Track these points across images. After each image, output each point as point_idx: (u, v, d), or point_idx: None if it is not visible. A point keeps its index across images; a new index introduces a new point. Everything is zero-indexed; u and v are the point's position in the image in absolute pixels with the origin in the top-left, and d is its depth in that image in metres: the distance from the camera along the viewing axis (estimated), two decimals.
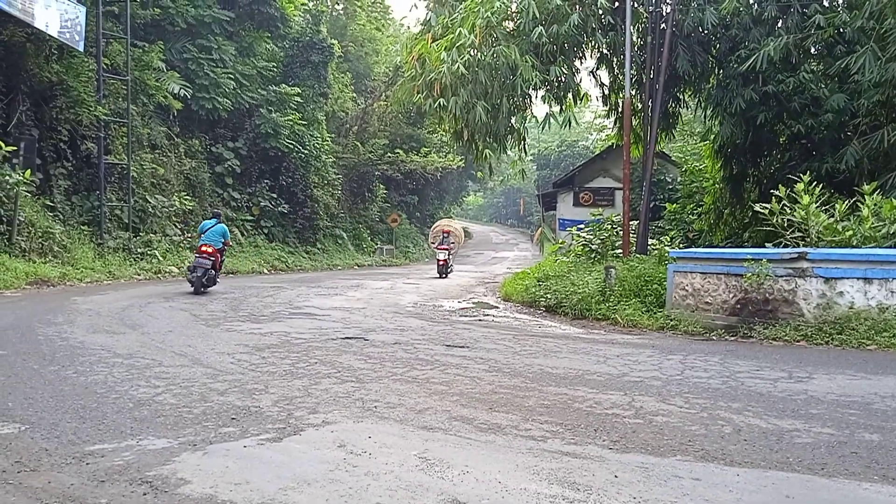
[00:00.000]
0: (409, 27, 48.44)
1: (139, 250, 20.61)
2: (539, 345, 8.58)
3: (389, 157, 38.91)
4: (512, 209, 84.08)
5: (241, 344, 8.14)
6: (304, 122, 29.71)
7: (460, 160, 40.74)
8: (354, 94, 38.62)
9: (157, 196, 22.72)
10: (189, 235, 23.50)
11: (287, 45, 31.16)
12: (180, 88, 23.86)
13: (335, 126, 37.18)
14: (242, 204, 28.30)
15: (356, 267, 31.52)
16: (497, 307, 14.46)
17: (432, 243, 29.41)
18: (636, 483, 3.58)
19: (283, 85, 29.50)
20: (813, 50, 16.37)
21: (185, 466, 3.78)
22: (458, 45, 15.06)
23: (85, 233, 19.09)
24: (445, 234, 27.23)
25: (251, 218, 28.34)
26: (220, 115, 26.67)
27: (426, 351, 7.94)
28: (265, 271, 25.56)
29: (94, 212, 19.91)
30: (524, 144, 17.99)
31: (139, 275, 19.16)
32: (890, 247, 9.12)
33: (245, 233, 27.73)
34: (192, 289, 14.37)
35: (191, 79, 25.16)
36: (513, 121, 16.94)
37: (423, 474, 3.70)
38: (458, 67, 14.60)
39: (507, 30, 16.51)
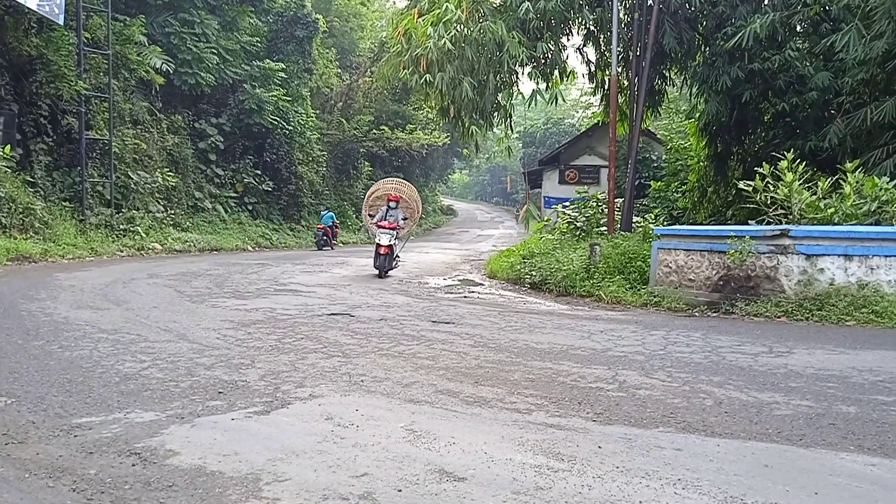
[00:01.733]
0: (394, 2, 47.96)
1: (121, 227, 20.44)
2: (524, 321, 8.65)
3: (374, 133, 38.70)
4: (497, 187, 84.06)
5: (227, 320, 8.13)
6: (288, 98, 29.45)
7: (446, 137, 40.62)
8: (339, 70, 38.30)
9: (139, 172, 22.49)
10: (172, 212, 23.34)
11: (271, 20, 30.78)
12: (162, 63, 23.54)
13: (320, 102, 36.88)
14: (226, 180, 28.11)
15: (341, 244, 31.46)
16: (482, 284, 14.52)
17: (368, 217, 17.09)
18: (619, 453, 3.64)
19: (268, 60, 29.18)
20: (799, 28, 16.41)
21: (173, 438, 3.80)
22: (444, 20, 14.94)
23: (66, 209, 18.89)
24: (392, 204, 16.08)
25: (235, 195, 28.17)
26: (203, 91, 26.37)
27: (412, 327, 7.97)
28: (249, 248, 25.46)
29: (75, 188, 19.69)
30: (510, 121, 17.96)
31: (122, 251, 19.03)
32: (870, 224, 9.23)
33: (229, 210, 27.57)
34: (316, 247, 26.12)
35: (173, 53, 24.81)
36: (499, 97, 16.89)
37: (410, 445, 3.75)
38: (445, 43, 14.51)
39: (494, 5, 16.41)
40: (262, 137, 29.14)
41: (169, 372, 5.40)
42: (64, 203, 19.02)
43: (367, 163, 40.86)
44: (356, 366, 5.74)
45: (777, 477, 3.33)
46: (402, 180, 19.04)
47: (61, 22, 18.57)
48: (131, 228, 20.65)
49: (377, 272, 15.16)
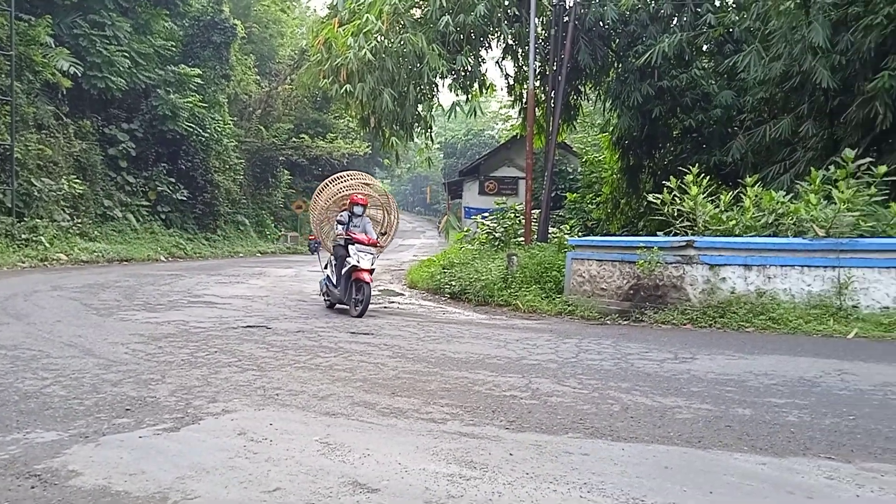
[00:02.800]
0: (315, 10, 47.58)
1: (23, 236, 19.45)
2: (443, 331, 8.73)
3: (294, 141, 38.19)
4: (419, 197, 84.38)
5: (137, 334, 7.88)
6: (204, 105, 28.74)
7: (367, 147, 40.45)
8: (258, 77, 37.66)
9: (43, 179, 21.46)
10: (79, 221, 22.34)
11: (187, 24, 30.00)
12: (70, 65, 22.58)
13: (238, 109, 36.15)
14: (138, 188, 27.14)
15: (259, 254, 30.87)
16: (403, 294, 14.56)
17: (316, 225, 12.55)
18: (529, 460, 3.75)
19: (183, 65, 28.41)
20: (705, 48, 17.25)
21: (76, 458, 3.67)
22: (365, 30, 14.96)
23: None
24: (357, 209, 11.01)
25: (147, 203, 27.22)
26: (113, 95, 25.42)
27: (330, 338, 7.93)
28: (162, 259, 24.65)
29: None
30: (431, 132, 18.11)
31: (23, 262, 18.10)
32: (768, 235, 9.77)
33: (140, 219, 26.63)
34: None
35: (82, 56, 23.84)
36: (419, 109, 17.02)
37: (325, 458, 3.74)
38: (365, 54, 14.52)
39: (415, 17, 16.54)
40: (176, 144, 28.31)
41: (73, 389, 5.19)
42: None
43: (286, 171, 40.27)
44: (271, 379, 5.67)
45: (676, 478, 3.50)
46: (364, 175, 13.03)
47: None
48: (34, 238, 19.67)
49: (330, 305, 11.17)
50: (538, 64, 18.01)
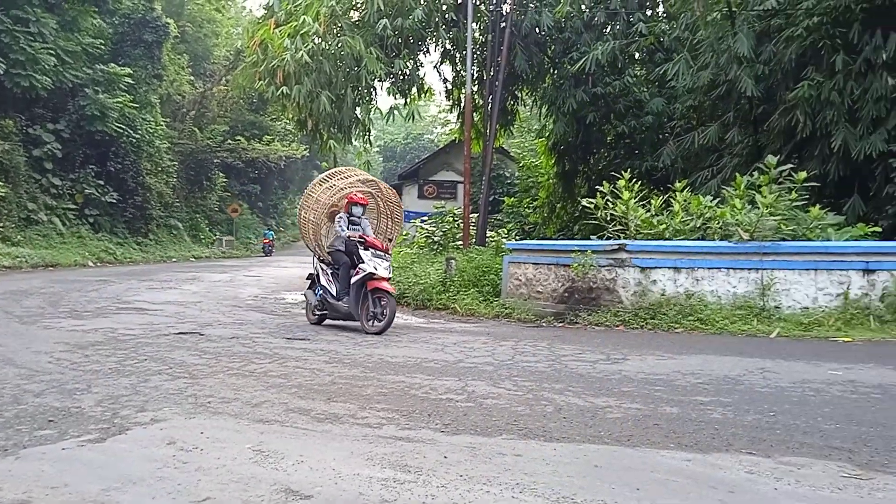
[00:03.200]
0: (251, 10, 46.81)
1: None
2: (381, 335, 8.71)
3: (230, 143, 37.52)
4: None
5: (62, 342, 7.60)
6: (135, 105, 27.94)
7: (305, 149, 40.01)
8: (192, 77, 36.84)
9: None
10: (0, 225, 21.41)
11: (117, 22, 29.11)
12: None
13: (171, 110, 35.27)
14: (64, 191, 26.19)
15: (193, 259, 30.15)
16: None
17: (312, 227, 10.03)
18: (463, 462, 3.78)
19: (113, 64, 27.55)
20: (637, 56, 17.74)
21: None
22: (302, 32, 14.82)
23: None
24: (356, 210, 9.78)
25: (74, 206, 26.28)
26: (38, 94, 24.44)
27: (265, 344, 7.82)
28: (90, 264, 23.83)
29: None
30: (369, 136, 18.05)
31: None
32: (696, 239, 10.09)
33: (67, 223, 25.69)
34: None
35: (4, 53, 22.87)
36: (358, 112, 16.95)
37: (257, 466, 3.69)
38: (302, 56, 14.38)
39: (353, 20, 16.48)
40: (105, 146, 27.43)
41: None
42: None
43: (221, 174, 39.49)
44: (203, 387, 5.56)
45: (605, 476, 3.59)
46: (358, 170, 11.30)
47: None
48: None
49: (318, 320, 9.74)
50: (476, 69, 18.18)
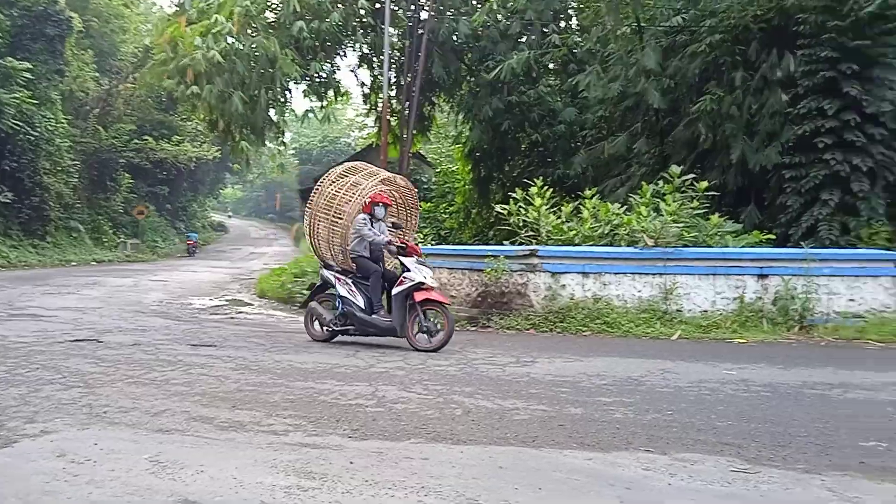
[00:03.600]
0: (161, 7, 45.24)
1: None
2: (291, 341, 8.57)
3: (137, 143, 36.09)
4: (273, 203, 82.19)
5: None
6: (34, 101, 26.43)
7: (216, 150, 38.96)
8: (97, 74, 35.19)
9: None
10: None
11: (15, 14, 27.48)
12: None
13: (73, 107, 33.57)
14: None
15: (95, 263, 28.80)
16: (251, 304, 14.13)
17: (320, 236, 8.90)
18: (370, 467, 3.75)
19: (10, 58, 25.98)
20: (551, 66, 18.18)
21: None
22: (214, 31, 14.44)
23: None
24: (378, 210, 8.48)
25: None
26: None
27: (169, 351, 7.54)
28: None
29: None
30: (283, 138, 17.77)
31: None
32: (604, 245, 10.40)
33: None
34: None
35: None
36: (272, 113, 16.65)
37: (154, 477, 3.55)
38: (214, 55, 14.01)
39: (268, 21, 16.20)
40: (0, 144, 25.83)
41: None
42: None
43: (127, 175, 37.87)
44: (99, 396, 5.30)
45: (509, 477, 3.64)
46: (371, 166, 9.53)
47: None
48: None
49: (330, 336, 8.45)
50: (393, 74, 18.19)
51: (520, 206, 11.19)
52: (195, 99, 14.74)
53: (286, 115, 17.35)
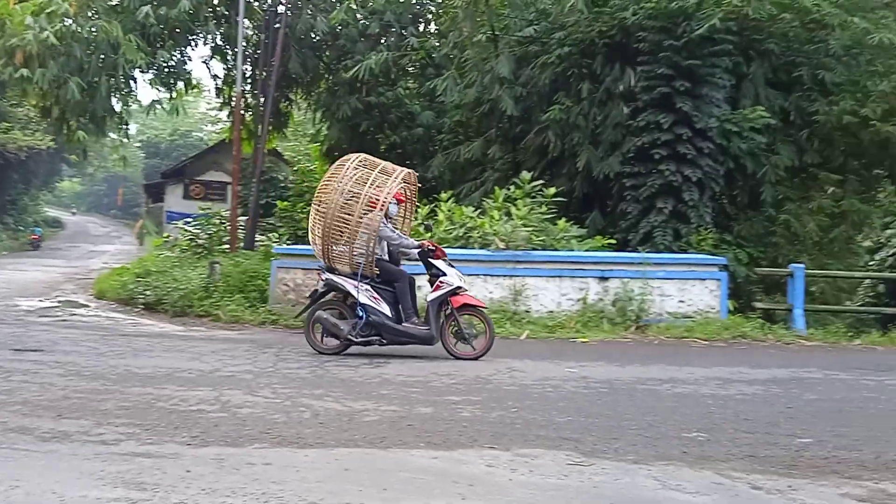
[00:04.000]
0: None
1: None
2: (130, 344, 8.07)
3: None
4: (115, 198, 77.01)
5: None
6: None
7: (51, 140, 35.94)
8: None
9: None
10: None
11: None
12: None
13: None
14: None
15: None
16: (87, 306, 13.16)
17: (334, 236, 7.62)
18: (208, 475, 3.58)
19: None
20: (410, 69, 18.29)
21: None
22: (48, 11, 13.29)
23: None
24: (393, 208, 8.05)
25: None
26: None
27: None
28: None
29: None
30: (127, 129, 16.69)
31: None
32: (459, 247, 10.60)
33: None
34: None
35: None
36: (113, 102, 15.58)
37: None
38: (48, 36, 12.88)
39: (110, 4, 15.17)
40: None
41: None
42: None
43: None
44: None
45: (355, 479, 3.61)
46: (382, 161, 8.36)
47: None
48: None
49: (342, 348, 7.54)
50: (249, 68, 17.61)
51: None
52: (25, 83, 13.48)
53: (130, 104, 16.32)
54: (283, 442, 4.23)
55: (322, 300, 7.78)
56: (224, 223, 16.81)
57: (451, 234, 10.83)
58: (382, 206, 7.49)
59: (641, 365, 7.34)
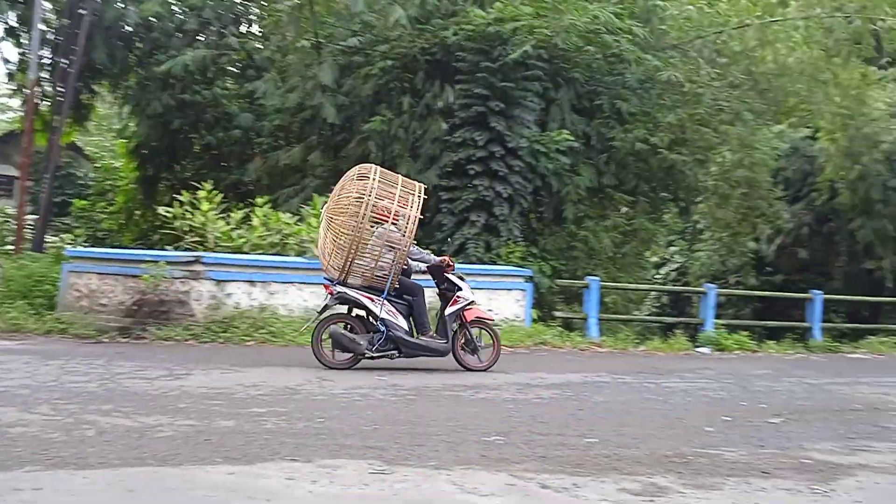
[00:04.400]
0: None
1: None
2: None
3: None
4: None
5: None
6: None
7: None
8: None
9: None
10: None
11: None
12: None
13: None
14: None
15: None
16: None
17: (358, 249, 7.32)
18: None
19: None
20: (229, 68, 17.64)
21: None
22: None
23: None
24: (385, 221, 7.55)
25: None
26: None
27: None
28: None
29: None
30: None
31: None
32: (274, 254, 10.34)
33: None
34: None
35: None
36: None
37: None
38: None
39: None
40: None
41: None
42: None
43: None
44: None
45: (140, 500, 3.38)
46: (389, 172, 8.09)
47: None
48: None
49: (352, 360, 7.43)
50: (48, 55, 16.09)
51: (186, 210, 10.61)
52: None
53: None
54: (60, 464, 3.86)
55: (331, 314, 7.67)
56: (8, 221, 15.17)
57: (266, 240, 10.53)
58: (410, 221, 7.48)
59: (449, 372, 7.56)
